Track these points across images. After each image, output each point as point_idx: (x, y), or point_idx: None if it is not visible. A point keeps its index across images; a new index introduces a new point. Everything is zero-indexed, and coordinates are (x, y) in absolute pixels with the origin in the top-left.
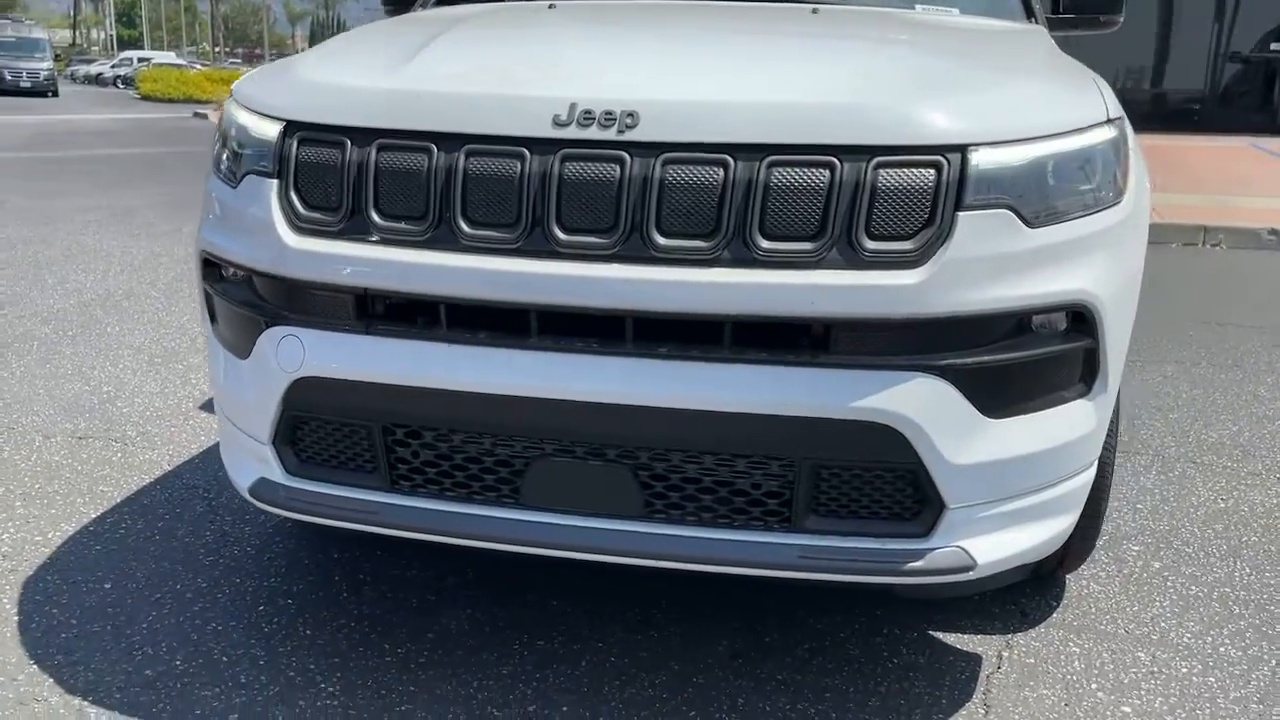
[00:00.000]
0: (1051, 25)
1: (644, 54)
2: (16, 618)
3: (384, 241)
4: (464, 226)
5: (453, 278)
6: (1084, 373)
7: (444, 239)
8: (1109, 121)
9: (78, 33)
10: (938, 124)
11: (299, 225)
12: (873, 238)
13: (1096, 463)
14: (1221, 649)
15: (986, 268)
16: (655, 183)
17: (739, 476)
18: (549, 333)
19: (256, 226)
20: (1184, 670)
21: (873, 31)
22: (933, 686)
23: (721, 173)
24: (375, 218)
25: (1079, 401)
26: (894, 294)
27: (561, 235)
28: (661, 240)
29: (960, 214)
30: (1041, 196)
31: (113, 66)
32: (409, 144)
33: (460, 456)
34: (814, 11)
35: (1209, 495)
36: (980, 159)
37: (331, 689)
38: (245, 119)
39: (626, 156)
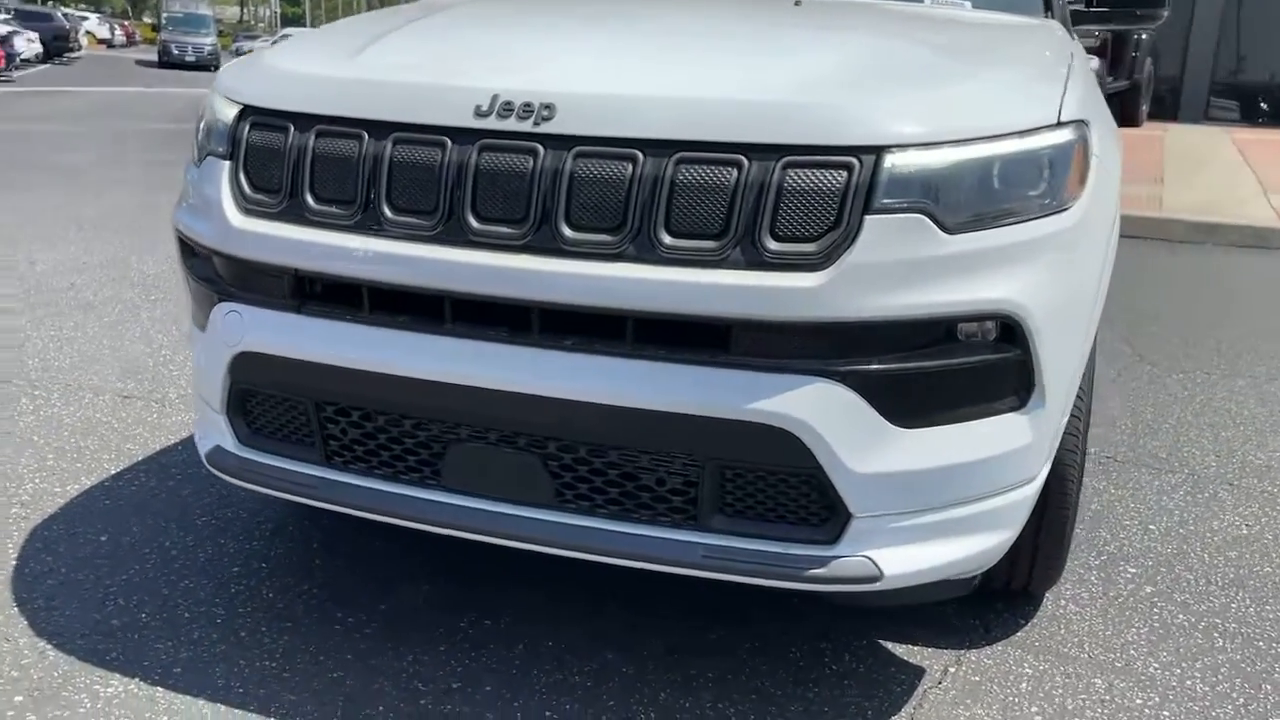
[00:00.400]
0: (1084, 20)
1: (581, 46)
2: (14, 562)
3: (316, 224)
4: (387, 212)
5: (374, 262)
6: (1015, 386)
7: (369, 224)
8: (1060, 125)
9: (245, 10)
10: (853, 125)
11: (245, 206)
12: (777, 239)
13: (1040, 479)
14: (1188, 683)
15: (894, 274)
16: (565, 176)
17: (644, 472)
18: (463, 320)
19: (210, 205)
20: (1138, 701)
21: (840, 26)
22: (864, 696)
23: (629, 168)
24: (310, 201)
25: (1010, 415)
26: (793, 296)
27: (476, 225)
28: (569, 233)
29: (868, 218)
30: (965, 201)
31: (272, 43)
32: (343, 130)
33: (384, 436)
34: (796, 4)
35: (1233, 520)
36: (895, 162)
37: (275, 651)
38: (215, 103)
39: (540, 148)
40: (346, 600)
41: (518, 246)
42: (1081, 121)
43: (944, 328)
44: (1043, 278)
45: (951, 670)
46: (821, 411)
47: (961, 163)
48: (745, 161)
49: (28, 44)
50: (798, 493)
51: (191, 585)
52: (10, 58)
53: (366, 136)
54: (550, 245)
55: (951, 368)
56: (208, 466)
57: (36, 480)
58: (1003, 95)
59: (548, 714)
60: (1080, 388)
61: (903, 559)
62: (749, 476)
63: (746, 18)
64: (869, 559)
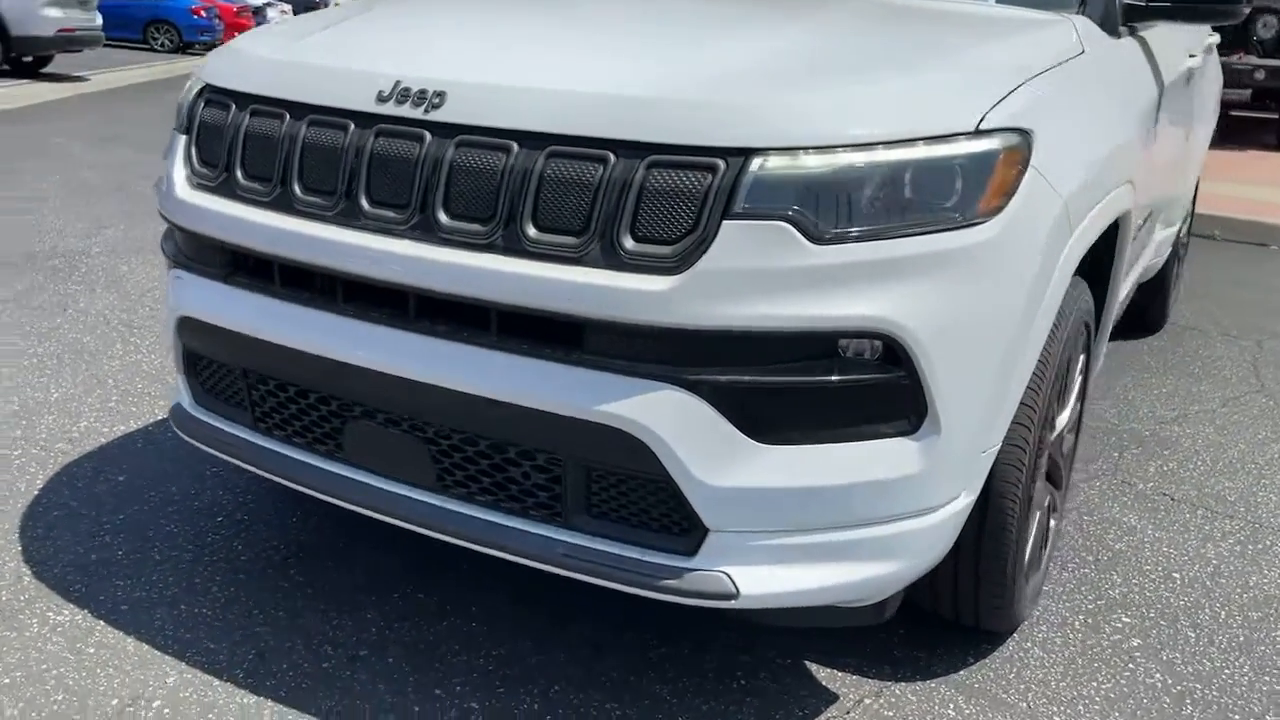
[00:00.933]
0: (1143, 15)
1: (495, 36)
2: (36, 493)
3: (242, 199)
4: (298, 191)
5: (282, 239)
6: (903, 410)
7: (283, 202)
8: (978, 134)
9: None
10: (722, 126)
11: (192, 178)
12: (635, 239)
13: (948, 511)
14: None
15: (751, 283)
16: (446, 163)
17: (512, 465)
18: (353, 301)
19: (166, 177)
20: None
21: (789, 19)
22: (760, 716)
23: (503, 158)
24: (240, 176)
25: (898, 440)
26: (643, 299)
27: (367, 207)
28: (446, 221)
29: (726, 223)
30: (842, 211)
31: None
32: (270, 110)
33: (294, 408)
34: None
35: (1275, 578)
36: (761, 166)
37: (217, 600)
38: (190, 81)
39: (427, 135)
40: (306, 559)
41: (401, 231)
42: (1018, 131)
43: (815, 343)
44: (939, 296)
45: (867, 701)
46: (669, 419)
47: (841, 169)
48: (611, 158)
49: (280, 15)
50: (658, 500)
51: (174, 531)
52: None
53: (288, 117)
54: (429, 232)
55: (820, 385)
56: (172, 425)
57: (92, 419)
58: (916, 99)
59: (438, 692)
60: (1027, 421)
61: (763, 579)
62: (611, 479)
63: (676, 7)
64: (726, 575)
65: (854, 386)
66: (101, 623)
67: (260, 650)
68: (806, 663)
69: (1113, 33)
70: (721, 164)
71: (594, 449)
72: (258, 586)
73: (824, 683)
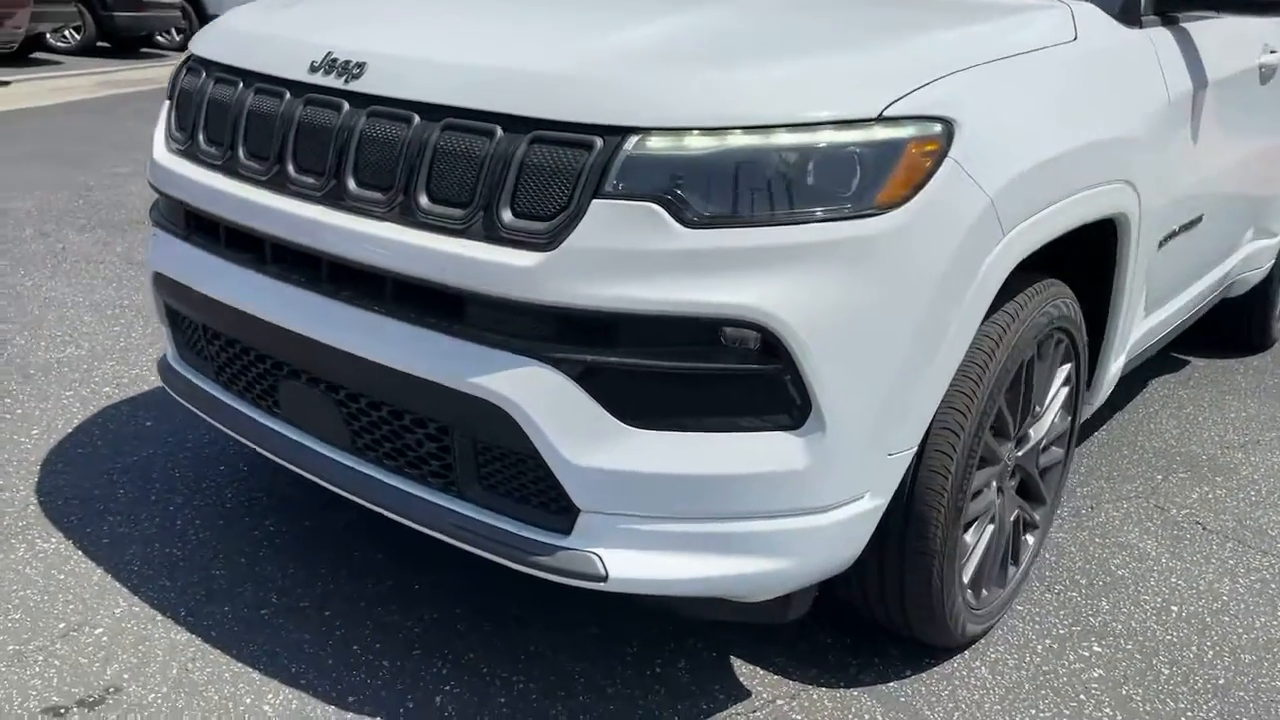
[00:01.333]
0: (1184, 6)
1: (429, 9)
2: (68, 431)
3: (200, 162)
4: (241, 156)
5: (224, 200)
6: (784, 404)
7: (230, 166)
8: (881, 120)
9: None
10: (602, 103)
11: (169, 143)
12: (515, 214)
13: (843, 514)
14: None
15: (617, 263)
16: (357, 133)
17: (408, 431)
18: (279, 263)
19: (152, 141)
20: None
21: None
22: (662, 706)
23: (405, 129)
24: (201, 140)
25: (780, 435)
26: (513, 275)
27: (293, 174)
28: (353, 189)
29: (595, 202)
30: (714, 194)
31: None
32: (227, 78)
33: (239, 364)
34: None
35: None
36: (637, 145)
37: (188, 542)
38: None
39: (345, 105)
40: (284, 514)
41: (316, 198)
42: (936, 119)
43: (686, 329)
44: (825, 289)
45: (780, 703)
46: (537, 396)
47: (717, 152)
48: (499, 132)
49: None
50: (536, 476)
51: (176, 476)
52: None
53: (240, 84)
54: (339, 200)
55: (693, 372)
56: (159, 378)
57: (144, 368)
58: (814, 83)
59: (355, 648)
60: (956, 427)
61: (634, 564)
62: (495, 452)
63: None
64: (596, 557)
65: (729, 376)
66: (80, 553)
67: (210, 592)
68: (733, 658)
69: (1132, 23)
70: (599, 142)
71: (472, 421)
72: (232, 534)
73: (743, 679)
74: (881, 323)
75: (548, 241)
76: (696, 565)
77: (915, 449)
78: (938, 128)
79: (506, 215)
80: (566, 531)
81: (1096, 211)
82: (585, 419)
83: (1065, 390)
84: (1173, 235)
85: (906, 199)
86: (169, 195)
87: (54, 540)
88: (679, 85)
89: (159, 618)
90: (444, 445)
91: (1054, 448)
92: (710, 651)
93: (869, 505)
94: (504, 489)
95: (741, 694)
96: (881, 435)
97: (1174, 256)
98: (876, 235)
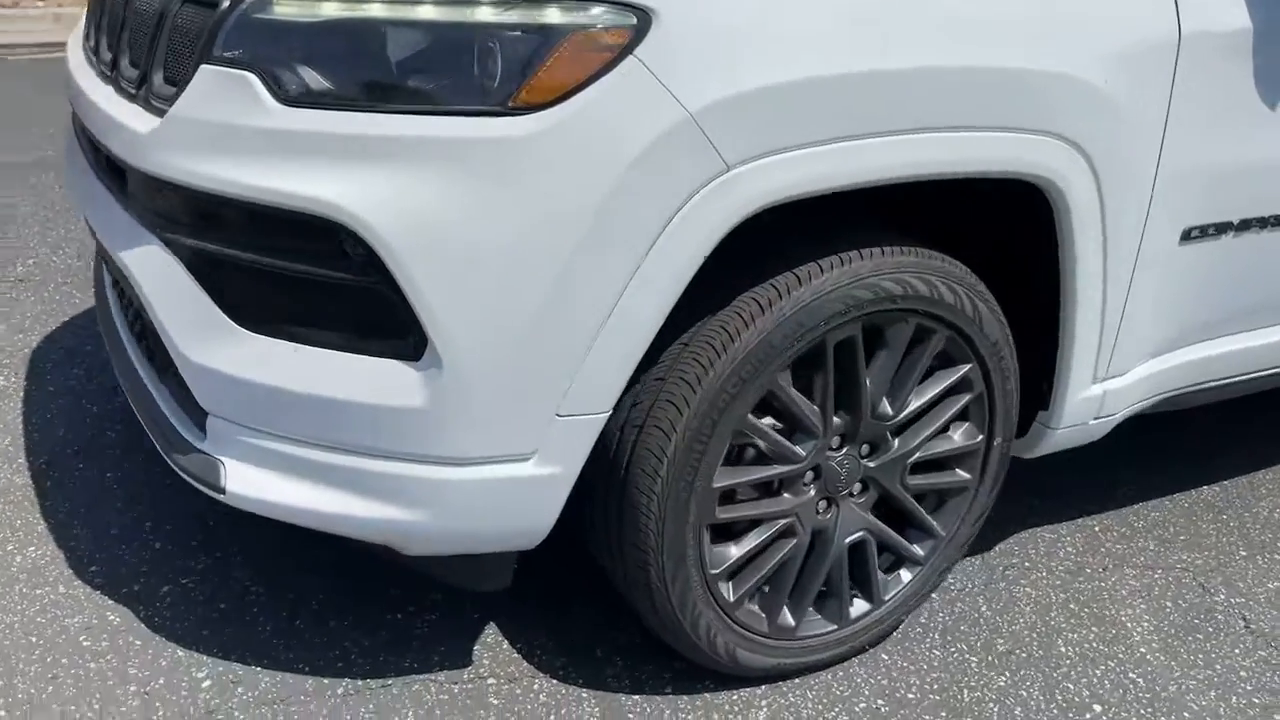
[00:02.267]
0: None
1: None
2: (71, 383)
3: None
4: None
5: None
6: (398, 328)
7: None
8: (539, 2)
9: None
10: None
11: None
12: (166, 80)
13: (488, 469)
14: None
15: (213, 137)
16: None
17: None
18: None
19: None
20: None
21: None
22: (368, 655)
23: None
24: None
25: (396, 364)
26: (128, 138)
27: (107, 56)
28: (126, 70)
29: (204, 66)
30: (318, 68)
31: None
32: None
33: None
34: None
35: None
36: (255, 5)
37: (142, 500)
38: None
39: None
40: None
41: (117, 87)
42: (623, 6)
43: (280, 220)
44: (430, 194)
45: (491, 681)
46: (153, 277)
47: (330, 20)
48: None
49: None
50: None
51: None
52: None
53: None
54: (116, 82)
55: (297, 275)
56: None
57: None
58: None
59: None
60: (680, 402)
61: (252, 482)
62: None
63: None
64: (221, 465)
65: (335, 285)
66: (44, 499)
67: (155, 561)
68: (493, 626)
69: None
70: (226, 1)
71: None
72: (195, 498)
73: (478, 649)
74: (513, 251)
75: (164, 107)
76: (325, 499)
77: (604, 416)
78: (620, 16)
79: (158, 79)
80: (202, 433)
81: (981, 164)
82: (199, 312)
83: (966, 399)
84: (1215, 230)
85: (559, 99)
86: None
87: (24, 475)
88: None
89: (79, 550)
90: (147, 320)
91: (957, 469)
92: (475, 613)
93: (537, 471)
94: (175, 374)
95: (459, 662)
96: (535, 390)
97: (1227, 263)
98: (503, 139)
